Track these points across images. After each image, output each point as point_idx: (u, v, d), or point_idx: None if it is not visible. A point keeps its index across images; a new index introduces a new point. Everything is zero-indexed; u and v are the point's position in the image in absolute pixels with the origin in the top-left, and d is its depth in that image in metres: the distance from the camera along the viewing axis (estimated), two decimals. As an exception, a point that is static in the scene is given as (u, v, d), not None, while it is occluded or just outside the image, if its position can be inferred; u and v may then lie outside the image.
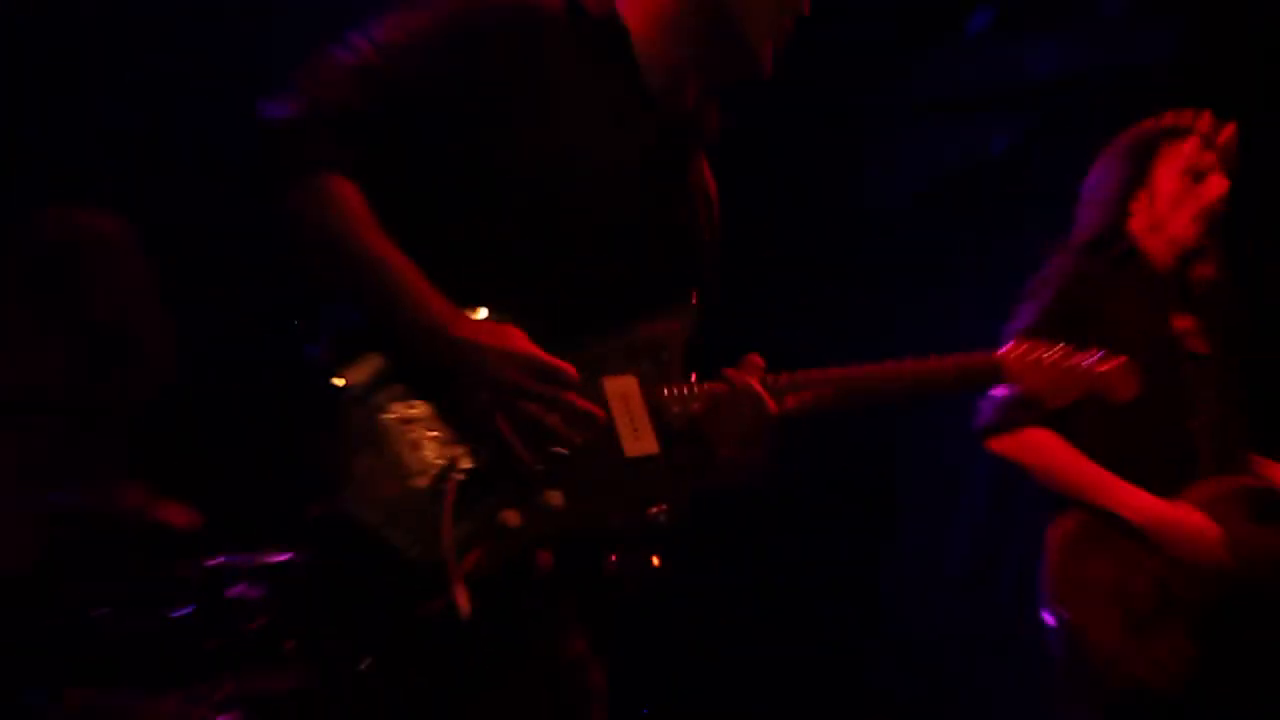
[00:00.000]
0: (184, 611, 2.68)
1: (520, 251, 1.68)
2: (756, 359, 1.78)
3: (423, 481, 1.57)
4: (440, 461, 1.58)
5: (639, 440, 1.68)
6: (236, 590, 2.72)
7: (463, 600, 1.54)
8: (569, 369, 1.61)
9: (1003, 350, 1.97)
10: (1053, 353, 1.96)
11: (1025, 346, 1.96)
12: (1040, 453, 2.71)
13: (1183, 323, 2.74)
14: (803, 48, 1.77)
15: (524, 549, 1.63)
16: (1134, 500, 2.63)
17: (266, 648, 2.74)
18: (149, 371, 2.78)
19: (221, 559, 2.73)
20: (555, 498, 1.62)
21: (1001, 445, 2.75)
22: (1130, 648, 2.58)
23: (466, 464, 1.59)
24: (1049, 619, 2.66)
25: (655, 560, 1.75)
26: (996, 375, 1.97)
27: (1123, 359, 1.99)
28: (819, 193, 4.31)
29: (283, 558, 2.74)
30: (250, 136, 1.67)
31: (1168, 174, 2.66)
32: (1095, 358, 1.96)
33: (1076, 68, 3.47)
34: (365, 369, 1.60)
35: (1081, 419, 2.63)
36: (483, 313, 1.65)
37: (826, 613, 4.53)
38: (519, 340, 1.60)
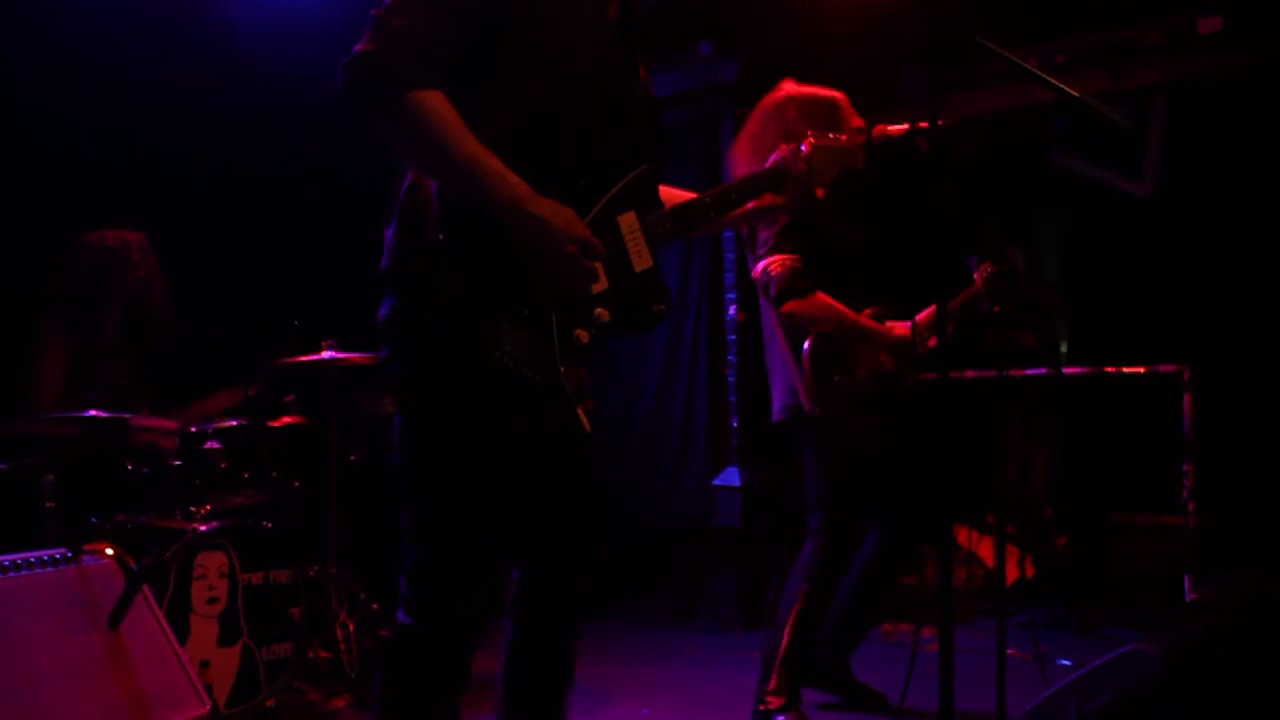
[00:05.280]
0: (177, 462, 3.76)
1: (552, 131, 1.94)
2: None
3: (531, 323, 1.88)
4: (535, 311, 1.89)
5: (641, 258, 2.04)
6: (209, 445, 3.77)
7: (583, 416, 1.94)
8: (598, 243, 1.93)
9: (773, 157, 2.29)
10: (810, 139, 2.28)
11: (789, 146, 2.28)
12: (828, 308, 3.23)
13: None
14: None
15: (588, 359, 1.97)
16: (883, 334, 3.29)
17: (231, 479, 3.81)
18: (161, 328, 4.13)
19: (194, 429, 3.79)
20: (604, 314, 1.99)
21: (796, 308, 3.21)
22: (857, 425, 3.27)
23: (548, 305, 1.91)
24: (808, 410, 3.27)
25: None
26: (780, 173, 2.27)
27: (854, 136, 2.43)
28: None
29: (235, 423, 3.83)
30: (344, 69, 1.80)
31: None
32: (838, 136, 2.34)
33: (687, 87, 5.48)
34: (485, 248, 1.84)
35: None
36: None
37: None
38: (574, 219, 1.90)
